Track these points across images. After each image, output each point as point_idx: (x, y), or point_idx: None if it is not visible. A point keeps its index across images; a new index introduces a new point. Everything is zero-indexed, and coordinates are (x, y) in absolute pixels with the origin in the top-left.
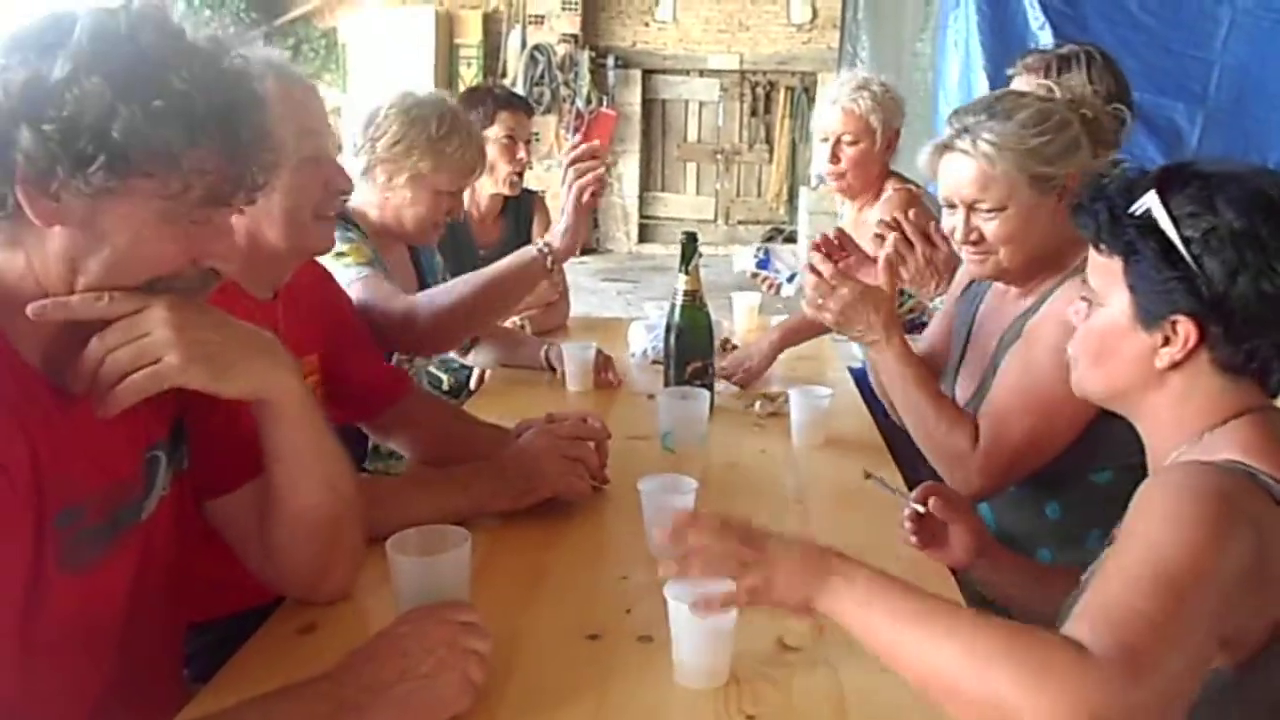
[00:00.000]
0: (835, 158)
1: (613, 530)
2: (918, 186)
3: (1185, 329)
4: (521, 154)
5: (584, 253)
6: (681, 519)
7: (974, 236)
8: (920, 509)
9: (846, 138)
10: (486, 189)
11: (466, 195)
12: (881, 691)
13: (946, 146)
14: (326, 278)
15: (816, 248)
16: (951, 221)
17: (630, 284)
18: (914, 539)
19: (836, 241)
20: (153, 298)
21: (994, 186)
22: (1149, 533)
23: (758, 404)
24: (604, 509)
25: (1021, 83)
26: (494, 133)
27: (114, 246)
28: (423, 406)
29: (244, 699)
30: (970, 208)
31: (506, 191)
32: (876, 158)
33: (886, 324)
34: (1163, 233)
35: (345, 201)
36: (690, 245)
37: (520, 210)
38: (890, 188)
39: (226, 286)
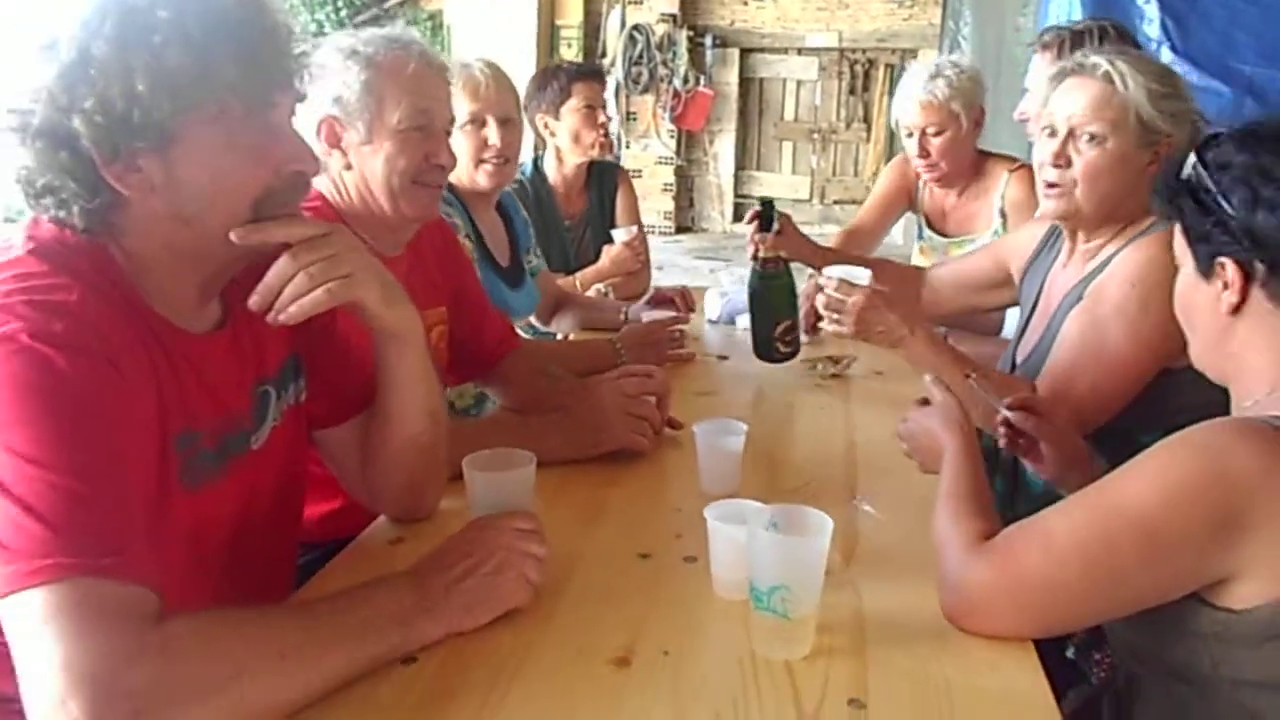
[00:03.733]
0: (924, 151)
1: (670, 469)
2: (1013, 160)
3: (1231, 268)
4: (602, 119)
5: (679, 231)
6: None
7: (1061, 162)
8: (1010, 416)
9: (931, 129)
10: (572, 159)
11: (552, 167)
12: (898, 614)
13: (1073, 70)
14: (451, 238)
15: (754, 217)
16: (1045, 150)
17: (723, 262)
18: (1005, 443)
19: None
20: (330, 225)
21: (1107, 111)
22: (1115, 474)
23: (820, 365)
24: (664, 451)
25: (1040, 61)
26: (573, 104)
27: (203, 186)
28: (519, 361)
29: (358, 584)
30: (1071, 134)
31: (595, 155)
32: (965, 141)
33: (904, 318)
34: (1201, 187)
35: (443, 176)
36: (768, 210)
37: (604, 183)
38: (1002, 169)
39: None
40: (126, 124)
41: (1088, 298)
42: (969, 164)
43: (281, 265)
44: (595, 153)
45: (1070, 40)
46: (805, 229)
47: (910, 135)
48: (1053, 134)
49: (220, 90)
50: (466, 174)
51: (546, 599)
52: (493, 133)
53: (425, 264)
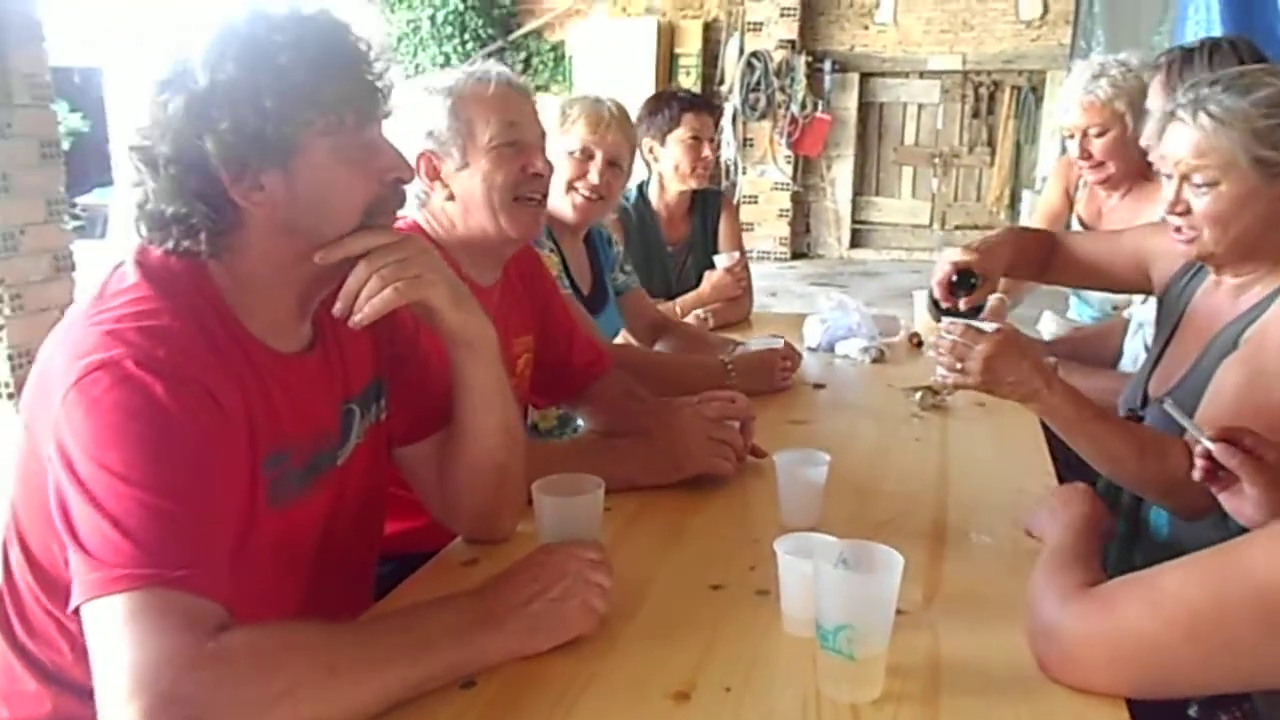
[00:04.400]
0: (1086, 153)
1: (751, 498)
2: None
3: None
4: (706, 153)
5: (794, 257)
6: None
7: (1180, 209)
8: (1212, 448)
9: (1093, 130)
10: (674, 187)
11: (655, 193)
12: (978, 660)
13: (1171, 114)
14: (538, 262)
15: (946, 281)
16: (1166, 192)
17: (839, 289)
18: (1201, 476)
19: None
20: (404, 234)
21: (1209, 159)
22: (1244, 538)
23: (919, 395)
24: (746, 479)
25: (1155, 84)
26: (679, 134)
27: (319, 198)
28: (609, 383)
29: (418, 602)
30: (1184, 179)
31: (694, 185)
32: (1134, 140)
33: (1037, 368)
34: None
35: (542, 186)
36: (968, 279)
37: (707, 209)
38: None
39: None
40: (257, 141)
41: (1245, 346)
42: (1136, 164)
43: (358, 270)
44: (694, 184)
45: (1180, 61)
46: (925, 255)
47: (1071, 137)
48: (1169, 176)
49: (335, 105)
50: (558, 198)
51: (612, 627)
52: (596, 169)
53: (515, 293)
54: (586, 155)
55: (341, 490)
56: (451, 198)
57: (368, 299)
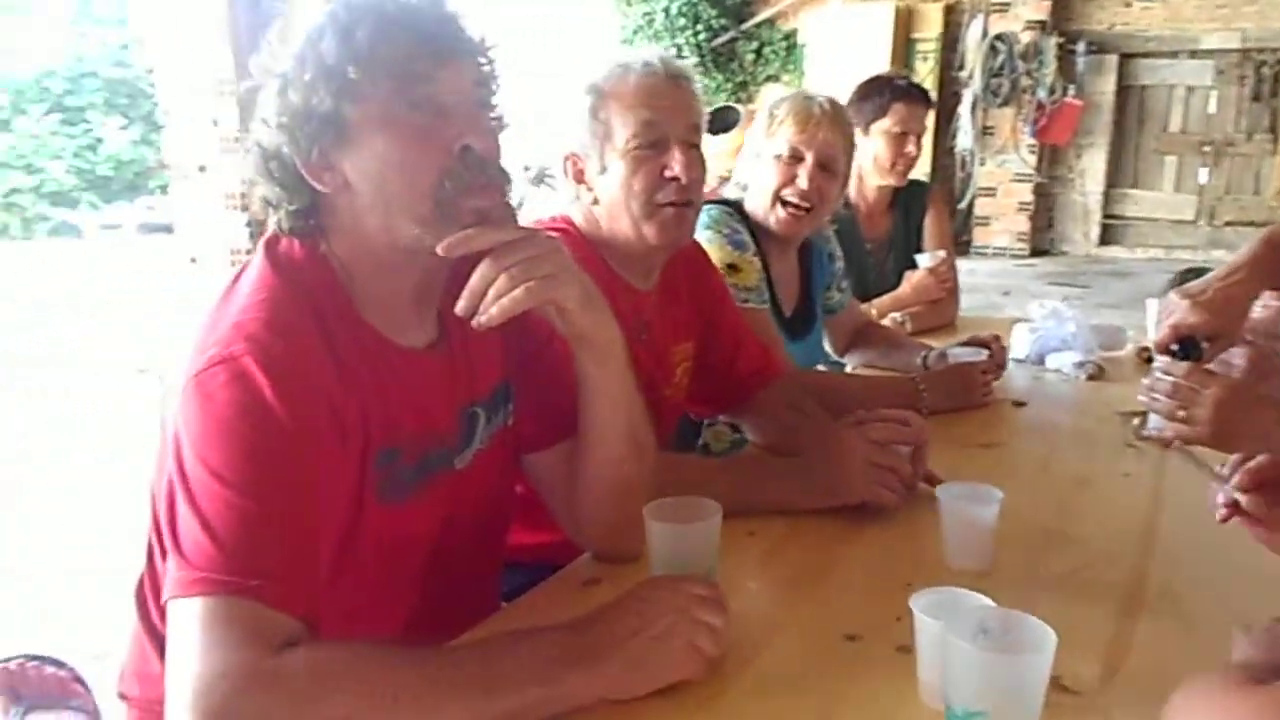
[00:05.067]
0: None
1: (915, 533)
2: None
3: None
4: (910, 148)
5: (1034, 254)
6: None
7: None
8: (1239, 498)
9: None
10: (872, 181)
11: (853, 184)
12: None
13: None
14: (705, 265)
15: (1165, 348)
16: None
17: (1081, 289)
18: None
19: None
20: (532, 229)
21: None
22: None
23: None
24: (913, 510)
25: None
26: (884, 125)
27: (386, 172)
28: (775, 393)
29: (501, 632)
30: None
31: (894, 182)
32: None
33: None
34: None
35: (684, 191)
36: (1189, 348)
37: (911, 203)
38: None
39: (602, 274)
40: (311, 121)
41: None
42: None
43: (484, 267)
44: (893, 180)
45: None
46: (1188, 255)
47: None
48: None
49: (368, 68)
50: (763, 209)
51: (723, 674)
52: (805, 173)
53: (677, 298)
54: (795, 158)
55: (460, 494)
56: (596, 202)
57: (496, 299)
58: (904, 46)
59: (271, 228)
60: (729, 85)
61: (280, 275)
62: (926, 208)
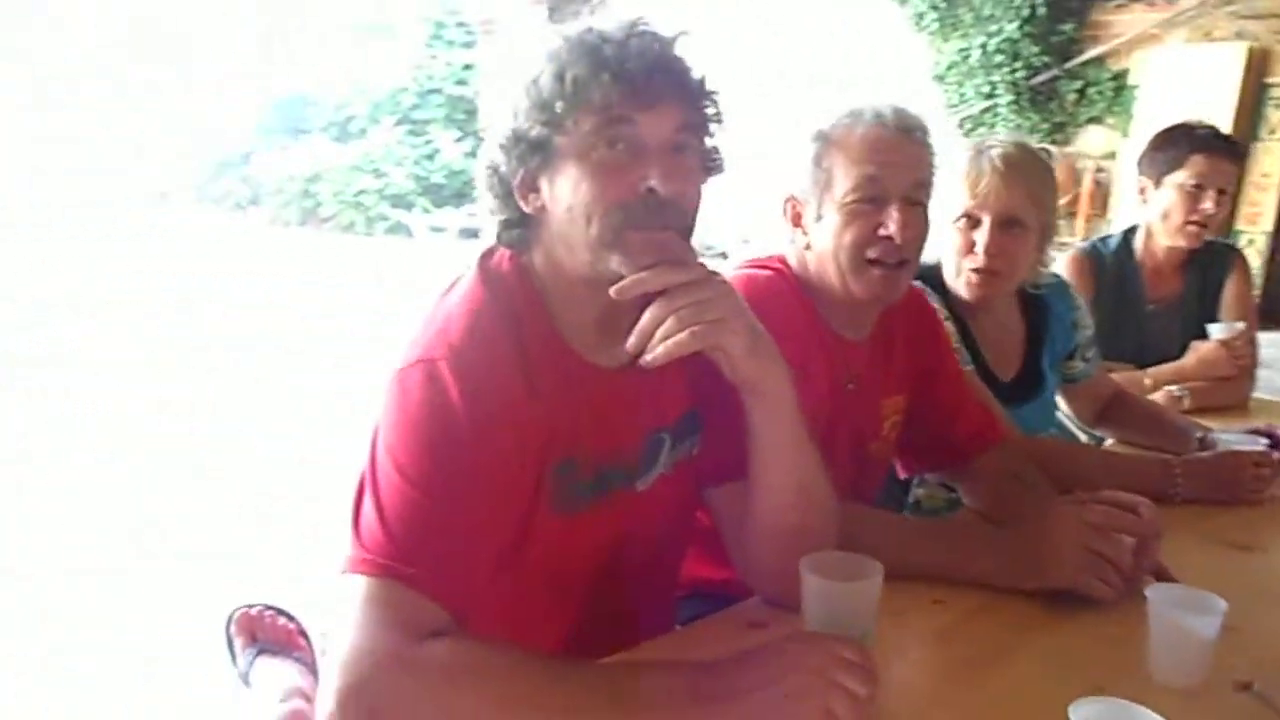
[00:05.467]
0: None
1: (1116, 633)
2: None
3: None
4: (1207, 204)
5: None
6: None
7: None
8: None
9: None
10: (1161, 239)
11: (1140, 240)
12: None
13: None
14: (926, 318)
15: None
16: None
17: None
18: None
19: None
20: (708, 271)
21: None
22: None
23: None
24: (1130, 606)
25: None
26: (1178, 178)
27: (572, 200)
28: (995, 459)
29: (638, 661)
30: None
31: (1182, 244)
32: None
33: None
34: None
35: (897, 251)
36: None
37: (1210, 266)
38: None
39: (810, 321)
40: (521, 145)
41: None
42: None
43: (655, 308)
44: (1183, 241)
45: None
46: None
47: None
48: None
49: (575, 102)
50: (951, 276)
51: None
52: (983, 236)
53: (891, 350)
54: (971, 222)
55: (638, 515)
56: (809, 247)
57: (662, 340)
58: (1255, 92)
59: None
60: (1045, 126)
61: (487, 289)
62: (1229, 271)
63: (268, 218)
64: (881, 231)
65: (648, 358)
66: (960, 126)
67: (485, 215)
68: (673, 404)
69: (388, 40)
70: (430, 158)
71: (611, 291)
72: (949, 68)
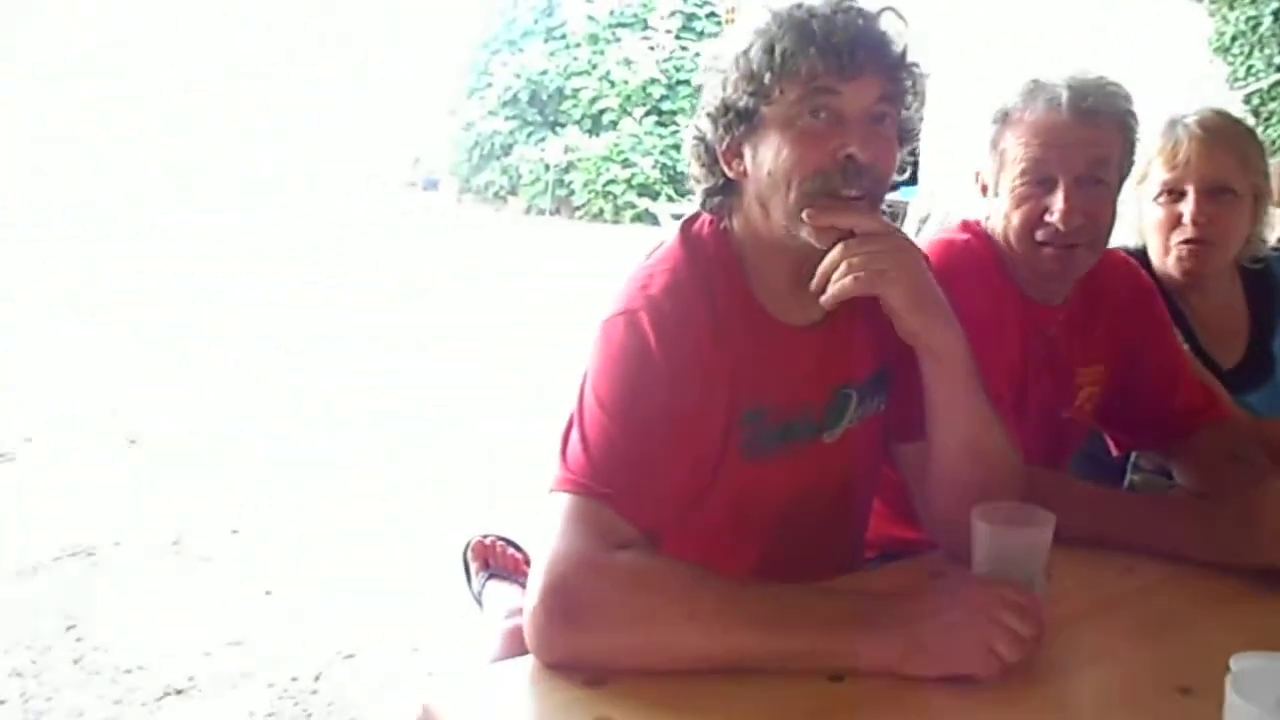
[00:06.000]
0: None
1: None
2: None
3: None
4: None
5: None
6: None
7: None
8: None
9: None
10: None
11: None
12: None
13: None
14: (1139, 289)
15: None
16: None
17: None
18: None
19: None
20: (892, 227)
21: None
22: None
23: None
24: None
25: None
26: None
27: (773, 165)
28: (1213, 436)
29: (806, 585)
30: None
31: None
32: None
33: None
34: None
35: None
36: None
37: None
38: None
39: (1002, 286)
40: (730, 113)
41: None
42: None
43: (833, 253)
44: None
45: None
46: None
47: None
48: None
49: (783, 74)
50: (1158, 257)
51: (1018, 686)
52: (1189, 206)
53: (1093, 318)
54: (1173, 197)
55: (824, 466)
56: (989, 217)
57: (833, 283)
58: None
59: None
60: None
61: (686, 250)
62: None
63: (522, 207)
64: (1047, 216)
65: (823, 299)
66: (1247, 103)
67: (691, 182)
68: (862, 362)
69: (641, 33)
70: (676, 148)
71: (804, 214)
72: (1234, 38)
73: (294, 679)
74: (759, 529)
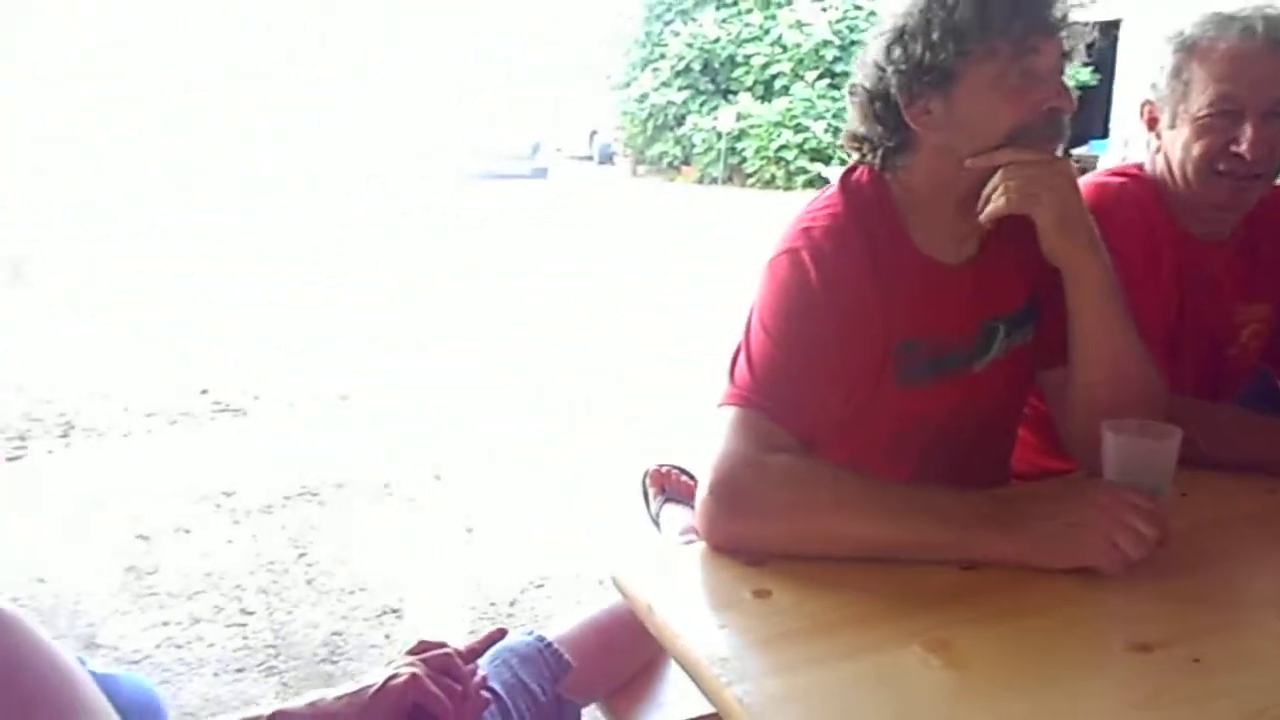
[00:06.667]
0: None
1: None
2: None
3: None
4: None
5: None
6: None
7: None
8: None
9: None
10: None
11: None
12: None
13: None
14: None
15: None
16: None
17: None
18: None
19: None
20: (1051, 158)
21: None
22: None
23: None
24: None
25: None
26: None
27: (972, 120)
28: None
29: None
30: None
31: None
32: None
33: None
34: None
35: (1248, 165)
36: None
37: None
38: None
39: (1161, 222)
40: (925, 71)
41: None
42: None
43: (994, 179)
44: None
45: None
46: None
47: None
48: None
49: (992, 35)
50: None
51: (1141, 578)
52: (1246, 132)
53: (1256, 256)
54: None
55: (973, 394)
56: (1159, 151)
57: (991, 203)
58: None
59: (861, 160)
60: None
61: (845, 197)
62: None
63: (695, 176)
64: (1234, 148)
65: (981, 217)
66: None
67: (849, 139)
68: (1011, 297)
69: None
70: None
71: (966, 163)
72: None
73: (491, 604)
74: (910, 452)
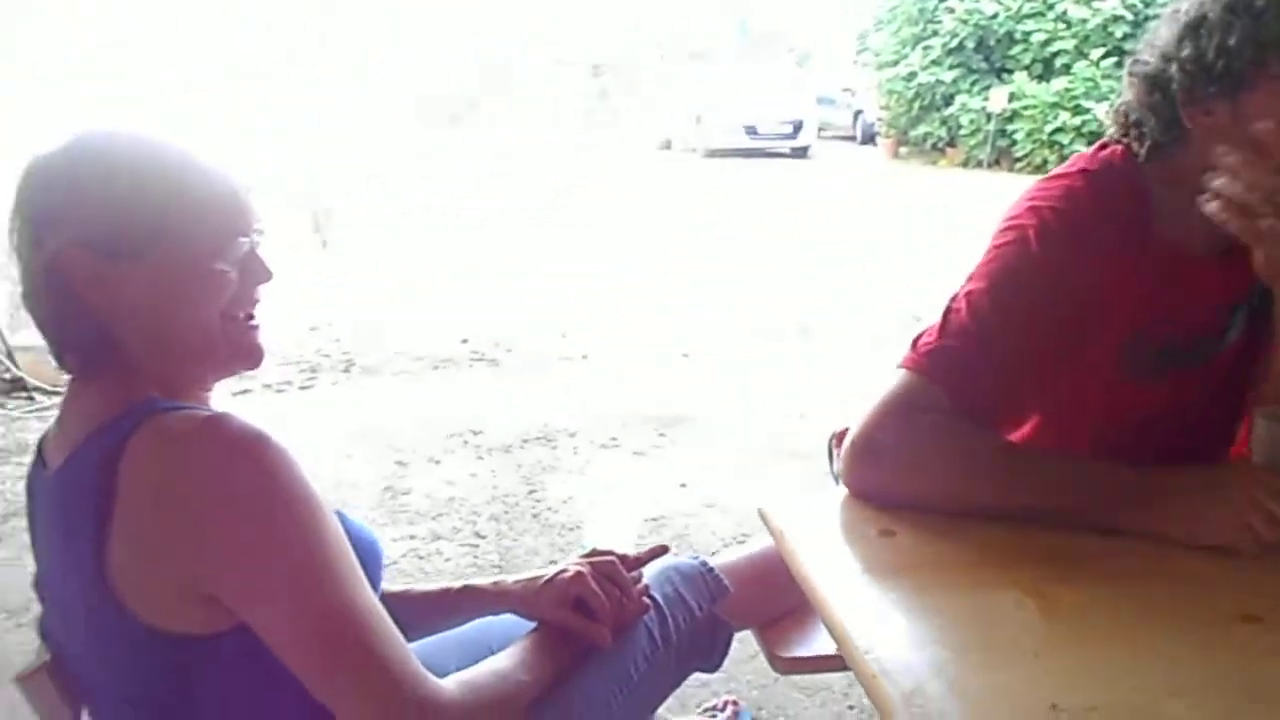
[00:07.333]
0: None
1: None
2: None
3: None
4: None
5: None
6: None
7: None
8: None
9: None
10: None
11: None
12: None
13: None
14: None
15: None
16: None
17: None
18: None
19: None
20: None
21: None
22: None
23: None
24: None
25: None
26: None
27: (1265, 133)
28: None
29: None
30: None
31: None
32: None
33: None
34: None
35: None
36: None
37: None
38: None
39: None
40: (1213, 73)
41: None
42: None
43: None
44: None
45: None
46: None
47: None
48: None
49: None
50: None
51: (1274, 557)
52: None
53: None
54: None
55: (1193, 390)
56: None
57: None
58: None
59: (1127, 142)
60: None
61: (1087, 178)
62: None
63: (960, 159)
64: None
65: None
66: None
67: (1113, 117)
68: (1243, 290)
69: None
70: None
71: (1218, 158)
72: None
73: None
74: (1116, 448)
